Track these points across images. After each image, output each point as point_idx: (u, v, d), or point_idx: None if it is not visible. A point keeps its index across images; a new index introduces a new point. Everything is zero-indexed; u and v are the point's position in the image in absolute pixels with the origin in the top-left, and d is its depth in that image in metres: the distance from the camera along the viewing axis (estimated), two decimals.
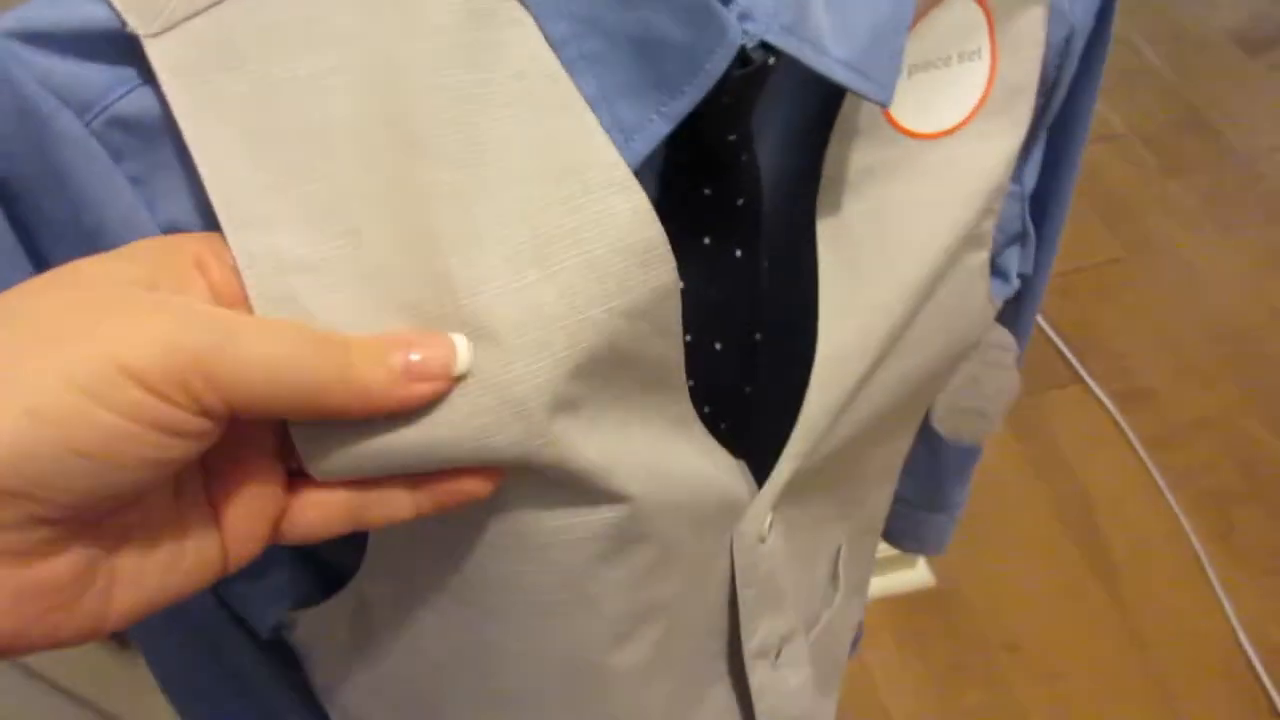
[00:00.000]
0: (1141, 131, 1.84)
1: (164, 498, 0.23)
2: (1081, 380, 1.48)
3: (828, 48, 0.26)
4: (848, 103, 0.30)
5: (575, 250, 0.26)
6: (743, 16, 0.25)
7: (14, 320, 0.20)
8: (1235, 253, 1.65)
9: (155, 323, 0.20)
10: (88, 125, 0.23)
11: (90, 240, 0.24)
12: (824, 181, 0.32)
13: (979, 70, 0.33)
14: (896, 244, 0.33)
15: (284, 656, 0.41)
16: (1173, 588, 1.28)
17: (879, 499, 0.50)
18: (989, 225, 0.36)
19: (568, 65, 0.25)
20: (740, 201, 0.30)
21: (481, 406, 0.25)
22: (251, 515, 0.25)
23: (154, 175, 0.24)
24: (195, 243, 0.23)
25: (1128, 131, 1.84)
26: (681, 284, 0.28)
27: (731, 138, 0.28)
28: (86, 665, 0.71)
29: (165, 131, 0.24)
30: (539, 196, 0.25)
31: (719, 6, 0.24)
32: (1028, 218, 0.41)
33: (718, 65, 0.25)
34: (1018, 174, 0.38)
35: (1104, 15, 0.38)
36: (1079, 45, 0.36)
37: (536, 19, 0.25)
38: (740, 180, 0.30)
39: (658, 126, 0.26)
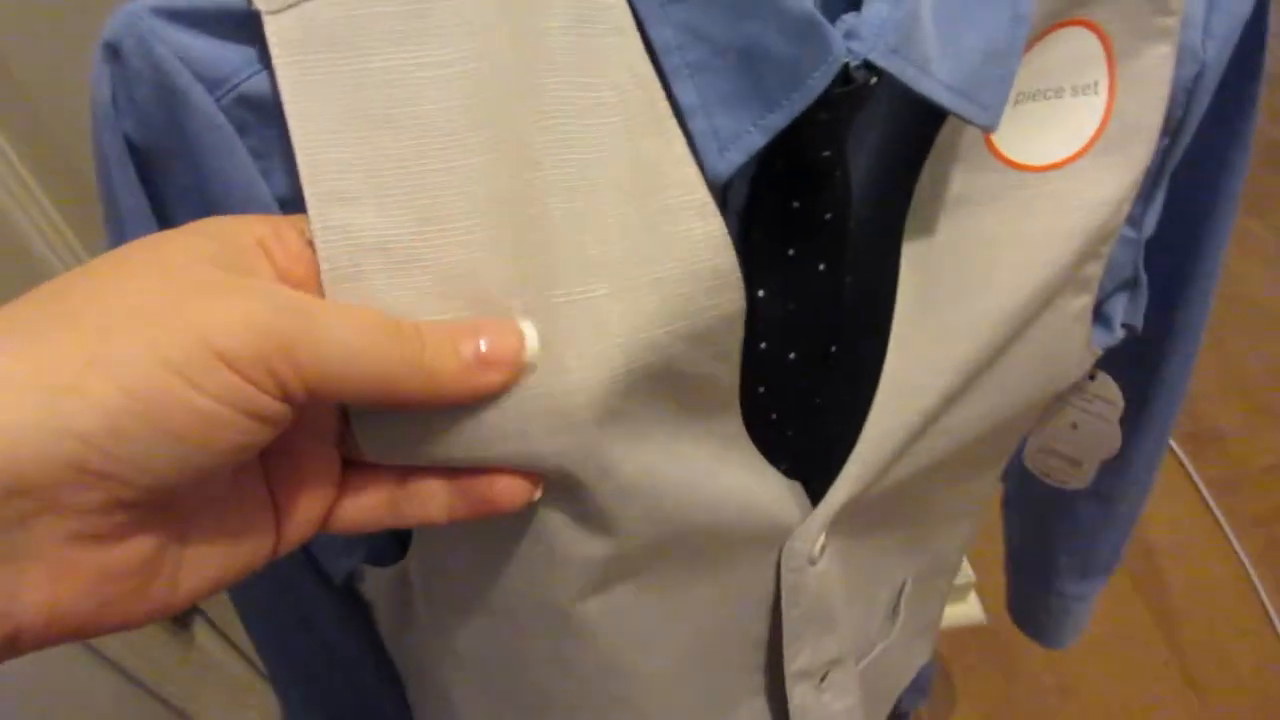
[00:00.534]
0: None
1: (226, 482, 0.23)
2: None
3: (933, 70, 0.26)
4: (949, 125, 0.30)
5: (646, 269, 0.26)
6: (849, 35, 0.25)
7: (103, 297, 0.20)
8: None
9: (243, 305, 0.20)
10: (218, 101, 0.25)
11: (211, 207, 0.26)
12: (915, 203, 0.32)
13: (1094, 105, 0.32)
14: (981, 275, 0.33)
15: (369, 633, 0.43)
16: (1237, 638, 1.22)
17: (949, 540, 0.49)
18: (1095, 269, 0.35)
19: (669, 73, 0.26)
20: (828, 216, 0.30)
21: (531, 410, 0.25)
22: (309, 501, 0.25)
23: (271, 151, 0.26)
24: (259, 224, 0.24)
25: None
26: (761, 293, 0.28)
27: (826, 153, 0.28)
28: (144, 645, 0.73)
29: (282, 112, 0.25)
30: (618, 211, 0.26)
31: (826, 24, 0.24)
32: (1141, 265, 0.39)
33: (819, 82, 0.25)
34: (1134, 218, 0.37)
35: (1247, 53, 0.36)
36: (1210, 84, 0.34)
37: (641, 25, 0.26)
38: (831, 195, 0.30)
39: (754, 138, 0.26)
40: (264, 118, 0.25)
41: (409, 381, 0.23)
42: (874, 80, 0.26)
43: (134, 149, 0.26)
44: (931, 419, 0.35)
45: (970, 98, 0.27)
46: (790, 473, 0.35)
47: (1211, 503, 1.35)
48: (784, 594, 0.38)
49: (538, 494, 0.27)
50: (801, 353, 0.32)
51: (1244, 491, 1.36)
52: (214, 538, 0.23)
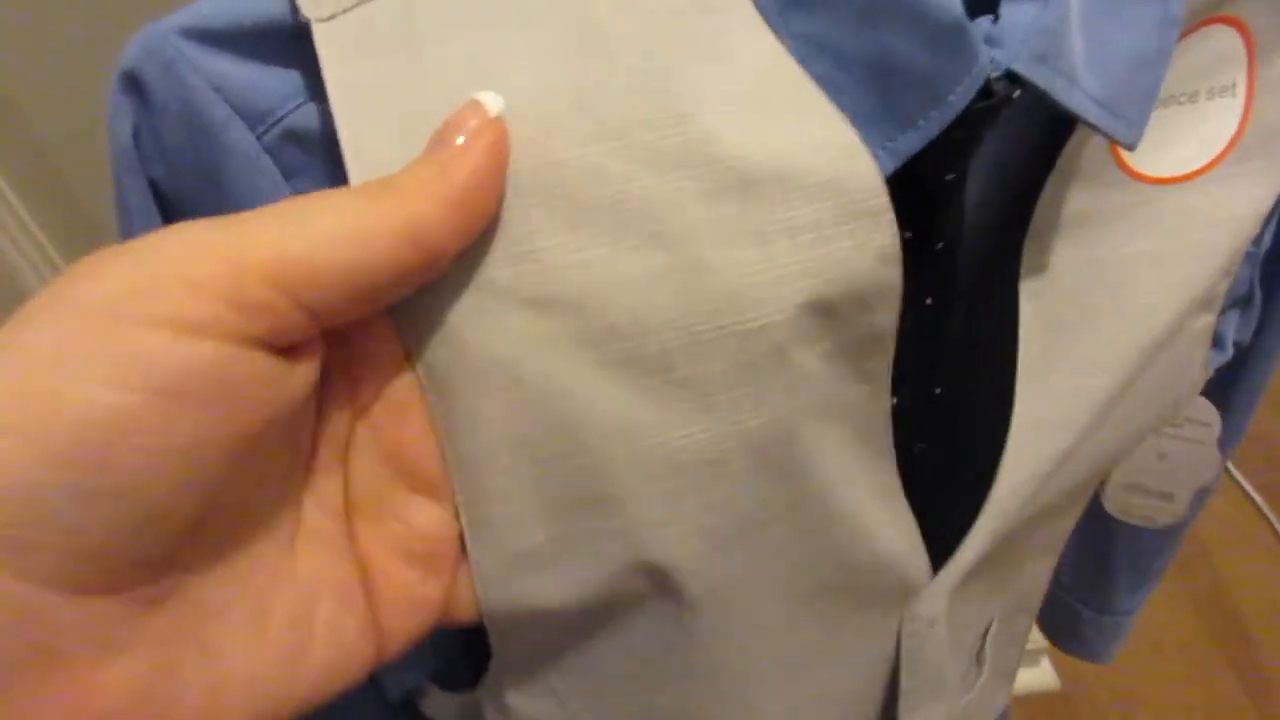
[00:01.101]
0: None
1: (278, 546, 0.18)
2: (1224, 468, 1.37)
3: (1080, 80, 0.23)
4: (1074, 139, 0.27)
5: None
6: (990, 41, 0.22)
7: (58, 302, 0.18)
8: None
9: (209, 239, 0.17)
10: (260, 138, 0.21)
11: None
12: (1033, 227, 0.29)
13: (1231, 108, 0.29)
14: (1111, 301, 0.30)
15: None
16: None
17: (1037, 573, 0.46)
18: (1223, 287, 0.32)
19: None
20: (940, 245, 0.27)
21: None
22: (422, 573, 0.21)
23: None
24: None
25: None
26: None
27: (950, 177, 0.25)
28: None
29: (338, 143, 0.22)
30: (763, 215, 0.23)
31: (974, 31, 0.21)
32: (1257, 281, 0.36)
33: (962, 98, 0.22)
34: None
35: None
36: None
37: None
38: (945, 223, 0.27)
39: (881, 163, 0.23)
40: (314, 155, 0.22)
41: (407, 249, 0.18)
42: (1016, 94, 0.23)
43: (159, 194, 0.23)
44: (1065, 462, 0.32)
45: (1114, 111, 0.24)
46: None
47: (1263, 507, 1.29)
48: (903, 662, 0.35)
49: None
50: (901, 394, 0.29)
51: None
52: (264, 636, 0.17)
